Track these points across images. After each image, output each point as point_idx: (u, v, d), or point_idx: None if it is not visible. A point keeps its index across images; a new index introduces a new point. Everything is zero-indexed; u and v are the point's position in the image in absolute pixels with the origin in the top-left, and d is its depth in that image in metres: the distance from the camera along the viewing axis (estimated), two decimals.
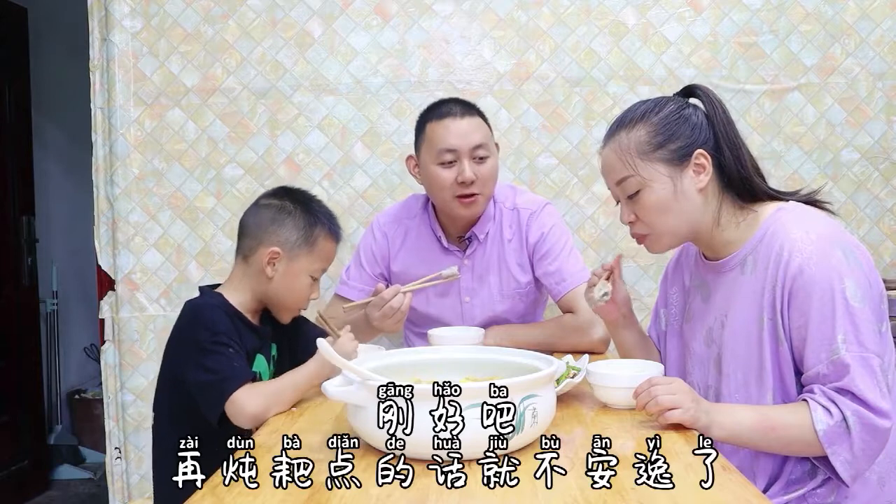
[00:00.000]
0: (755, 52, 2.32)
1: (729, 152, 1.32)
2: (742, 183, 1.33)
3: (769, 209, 1.33)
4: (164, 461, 1.47)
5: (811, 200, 1.36)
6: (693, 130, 1.32)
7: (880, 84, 2.32)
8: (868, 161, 2.33)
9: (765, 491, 1.30)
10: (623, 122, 1.36)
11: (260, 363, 1.50)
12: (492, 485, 0.95)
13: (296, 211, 1.51)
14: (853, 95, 2.32)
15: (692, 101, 1.38)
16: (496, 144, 1.91)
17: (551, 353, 1.60)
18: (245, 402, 1.31)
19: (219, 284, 1.56)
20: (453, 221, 1.92)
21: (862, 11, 2.31)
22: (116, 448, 2.35)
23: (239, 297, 1.49)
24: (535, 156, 2.35)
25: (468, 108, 1.84)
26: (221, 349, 1.36)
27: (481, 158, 1.81)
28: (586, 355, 1.50)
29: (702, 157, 1.31)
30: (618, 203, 1.40)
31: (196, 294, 1.53)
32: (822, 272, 1.21)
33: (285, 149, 2.35)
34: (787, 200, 1.35)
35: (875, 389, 1.19)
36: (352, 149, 2.35)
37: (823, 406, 1.20)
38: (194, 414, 1.37)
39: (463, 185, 1.80)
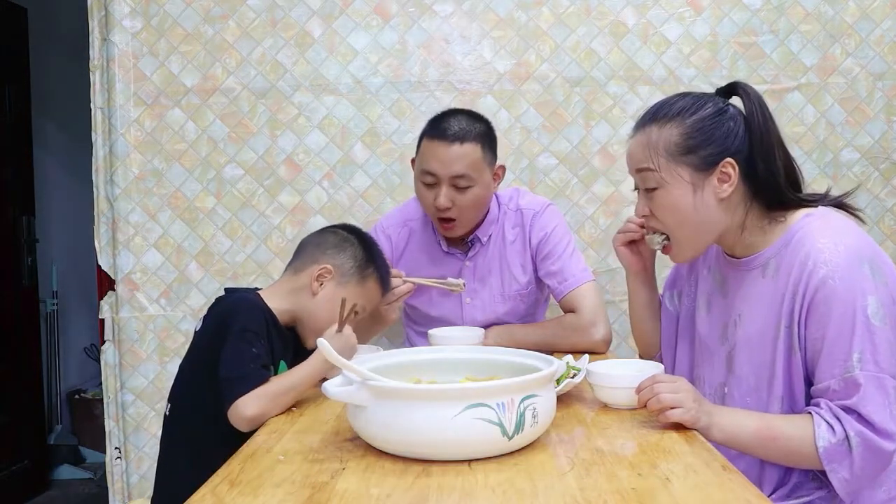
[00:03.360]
0: (755, 52, 2.32)
1: (762, 163, 1.27)
2: (773, 193, 1.29)
3: (797, 215, 1.30)
4: (184, 456, 1.45)
5: (840, 204, 1.33)
6: (726, 138, 1.27)
7: (880, 84, 2.32)
8: (868, 161, 2.33)
9: (769, 496, 1.29)
10: (657, 116, 1.31)
11: (282, 369, 1.50)
12: (492, 485, 0.95)
13: (358, 246, 1.58)
14: (853, 95, 2.32)
15: (733, 100, 1.33)
16: (501, 167, 1.87)
17: (551, 352, 1.60)
18: (245, 406, 1.30)
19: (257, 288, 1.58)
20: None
21: (862, 11, 2.31)
22: (116, 448, 2.35)
23: (276, 303, 1.51)
24: (535, 156, 2.35)
25: (463, 133, 1.77)
26: (246, 347, 1.37)
27: (462, 187, 1.79)
28: (586, 355, 1.50)
29: (729, 167, 1.27)
30: (635, 189, 1.38)
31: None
32: (845, 287, 1.18)
33: (285, 149, 2.35)
34: (816, 205, 1.31)
35: (884, 411, 1.17)
36: (352, 149, 2.35)
37: (828, 422, 1.18)
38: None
39: (438, 209, 1.80)
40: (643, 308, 1.59)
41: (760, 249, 1.32)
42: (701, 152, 1.27)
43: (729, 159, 1.27)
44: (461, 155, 1.77)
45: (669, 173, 1.29)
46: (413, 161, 1.92)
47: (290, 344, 1.56)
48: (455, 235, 1.88)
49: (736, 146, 1.28)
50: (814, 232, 1.24)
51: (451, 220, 1.82)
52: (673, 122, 1.29)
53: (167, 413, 1.53)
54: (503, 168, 1.90)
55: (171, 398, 1.54)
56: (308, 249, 1.58)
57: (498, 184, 1.89)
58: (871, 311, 1.18)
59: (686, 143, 1.28)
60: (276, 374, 1.46)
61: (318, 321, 1.52)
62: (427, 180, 1.80)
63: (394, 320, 1.81)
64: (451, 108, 1.89)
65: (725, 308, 1.39)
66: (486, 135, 1.83)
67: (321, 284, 1.53)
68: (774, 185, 1.29)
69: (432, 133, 1.80)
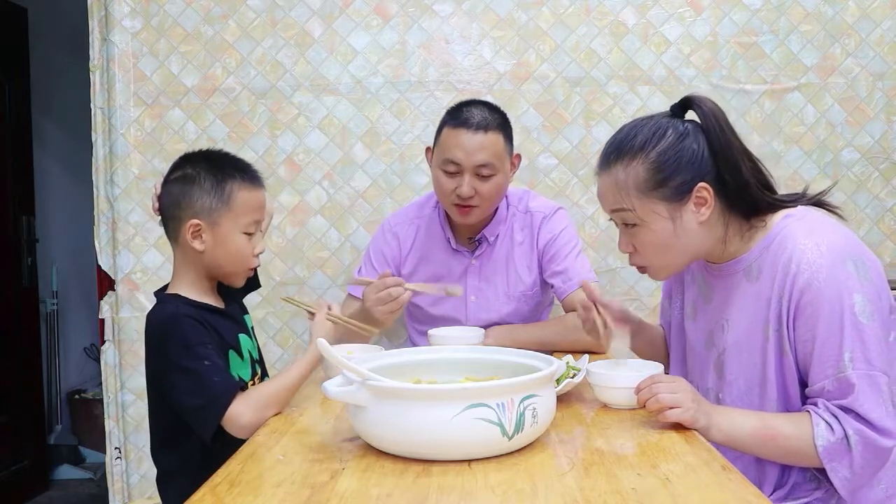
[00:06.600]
0: (755, 52, 2.32)
1: (730, 177, 1.25)
2: (747, 202, 1.28)
3: (777, 217, 1.29)
4: (172, 485, 1.43)
5: (818, 202, 1.32)
6: (692, 163, 1.25)
7: (880, 84, 2.32)
8: (868, 161, 2.34)
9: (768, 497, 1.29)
10: (620, 153, 1.28)
11: (245, 342, 1.47)
12: (492, 485, 0.95)
13: (199, 175, 1.41)
14: (853, 95, 2.33)
15: (689, 115, 1.31)
16: (517, 156, 1.89)
17: (552, 352, 1.60)
18: (239, 415, 1.28)
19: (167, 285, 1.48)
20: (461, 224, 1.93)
21: (862, 11, 2.31)
22: (116, 448, 2.35)
23: (192, 286, 1.43)
24: (535, 156, 2.35)
25: (486, 122, 1.78)
26: (198, 364, 1.30)
27: (485, 176, 1.80)
28: (586, 355, 1.50)
29: (703, 191, 1.25)
30: (610, 220, 1.37)
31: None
32: (830, 287, 1.18)
33: (285, 149, 2.36)
34: (795, 205, 1.31)
35: (880, 408, 1.17)
36: (352, 149, 2.36)
37: (826, 421, 1.19)
38: (190, 433, 1.34)
39: (460, 197, 1.81)
40: (649, 344, 1.59)
41: (742, 254, 1.32)
42: (671, 183, 1.25)
43: (702, 183, 1.25)
44: (488, 143, 1.78)
45: (644, 210, 1.26)
46: (428, 150, 1.92)
47: (239, 316, 1.50)
48: (471, 222, 1.88)
49: (705, 168, 1.25)
50: (795, 233, 1.24)
51: (471, 206, 1.82)
52: (637, 159, 1.26)
53: (150, 446, 1.49)
54: (519, 157, 1.91)
55: (150, 431, 1.49)
56: (168, 211, 1.43)
57: (514, 172, 1.90)
58: (858, 308, 1.18)
59: (655, 178, 1.25)
60: (238, 353, 1.43)
61: (226, 267, 1.43)
62: (450, 169, 1.80)
63: (388, 326, 1.77)
64: (468, 99, 1.89)
65: (710, 314, 1.39)
66: (505, 124, 1.85)
67: (201, 240, 1.39)
68: (747, 195, 1.27)
69: (458, 121, 1.80)
